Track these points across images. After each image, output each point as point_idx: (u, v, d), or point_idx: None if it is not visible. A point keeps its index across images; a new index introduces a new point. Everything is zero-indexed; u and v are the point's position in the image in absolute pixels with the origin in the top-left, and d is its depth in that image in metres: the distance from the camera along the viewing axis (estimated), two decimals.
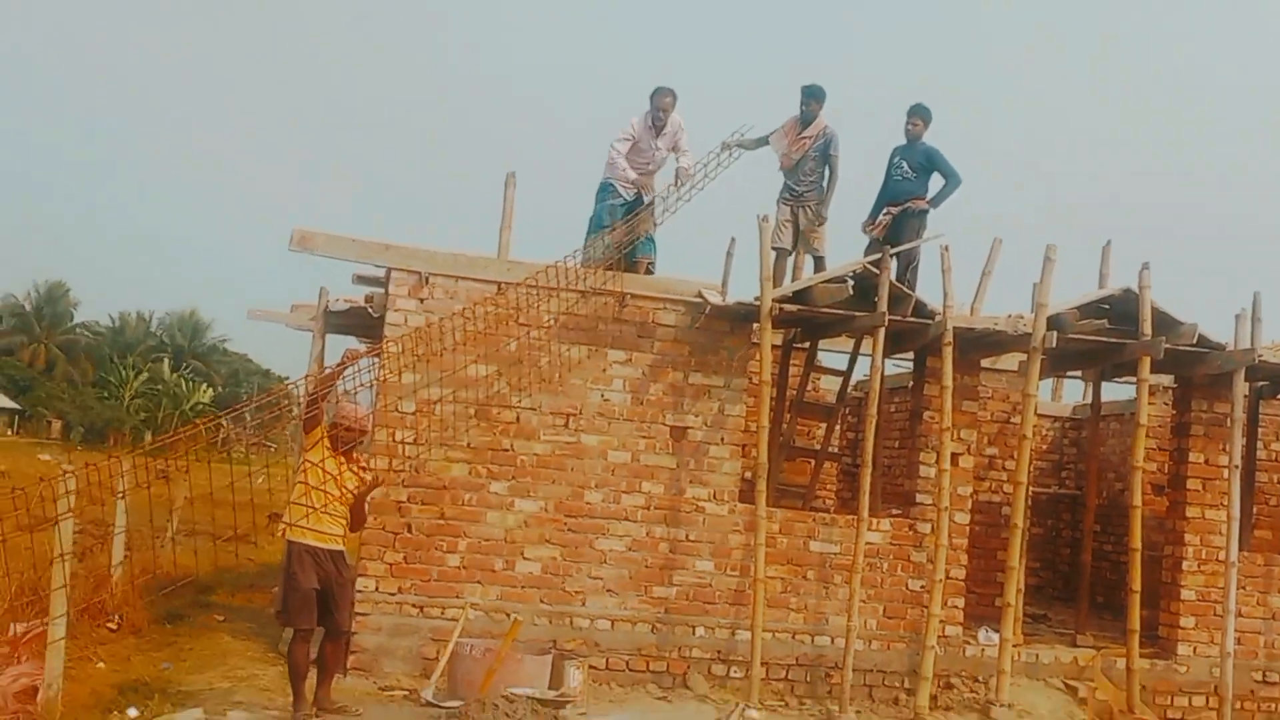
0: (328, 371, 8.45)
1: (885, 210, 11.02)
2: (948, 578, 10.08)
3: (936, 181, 10.97)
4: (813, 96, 11.05)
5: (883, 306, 9.86)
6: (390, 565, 9.51)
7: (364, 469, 8.12)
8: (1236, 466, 10.47)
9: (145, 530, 12.66)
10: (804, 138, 11.03)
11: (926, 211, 10.93)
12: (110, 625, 9.88)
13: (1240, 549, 10.54)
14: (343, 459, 7.89)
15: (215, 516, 15.66)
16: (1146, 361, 10.20)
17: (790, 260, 11.19)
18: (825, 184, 11.06)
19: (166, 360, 59.93)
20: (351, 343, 10.38)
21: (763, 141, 11.35)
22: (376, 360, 9.27)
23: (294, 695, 7.71)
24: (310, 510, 7.71)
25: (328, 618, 7.81)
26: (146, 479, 9.19)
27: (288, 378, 9.20)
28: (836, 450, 13.12)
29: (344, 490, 7.85)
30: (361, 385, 8.77)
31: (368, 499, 8.30)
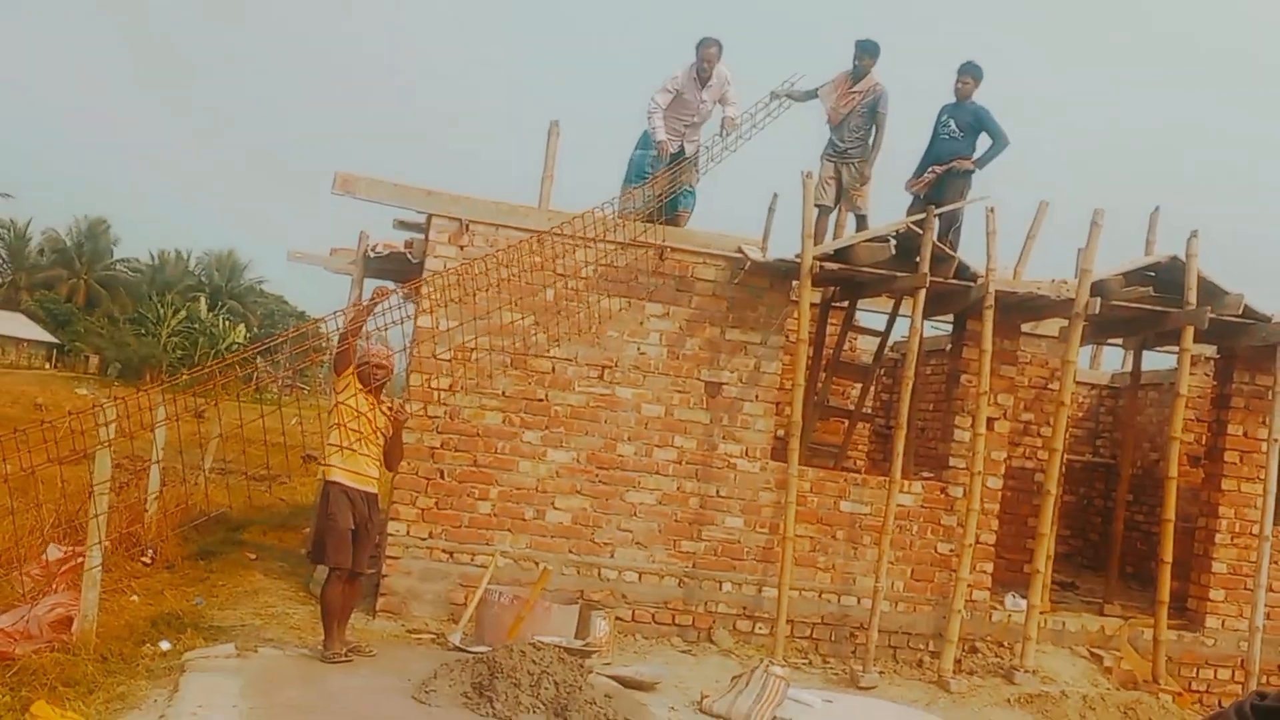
0: (357, 310, 8.42)
1: (930, 169, 10.87)
2: (978, 542, 10.04)
3: (984, 142, 10.80)
4: (866, 52, 10.88)
5: (924, 267, 9.76)
6: (422, 510, 9.57)
7: (392, 408, 8.16)
8: (1276, 440, 10.35)
9: (179, 466, 12.85)
10: (854, 93, 10.87)
11: (972, 172, 10.77)
12: (144, 559, 10.01)
13: (1275, 524, 10.44)
14: (373, 398, 7.92)
15: (249, 455, 15.86)
16: (1190, 331, 10.07)
17: (832, 218, 11.07)
18: (871, 142, 10.92)
19: (203, 299, 60.38)
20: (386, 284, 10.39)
21: (812, 94, 11.21)
22: (405, 299, 9.28)
23: (326, 633, 7.80)
24: (346, 450, 7.76)
25: (354, 557, 7.85)
26: (178, 414, 9.30)
27: (323, 320, 9.17)
28: (870, 411, 13.06)
29: (376, 429, 7.91)
30: (392, 323, 8.78)
31: (402, 437, 8.36)
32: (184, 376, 10.20)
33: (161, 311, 54.44)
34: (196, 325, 54.31)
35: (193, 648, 7.53)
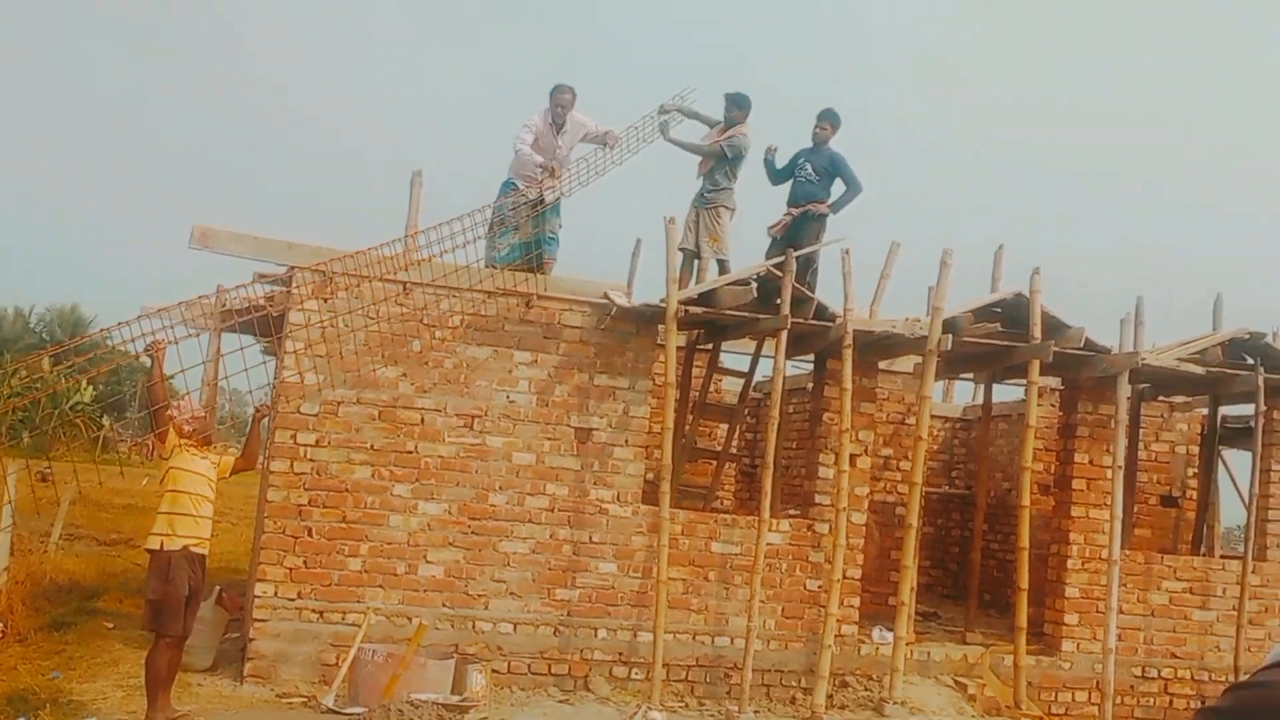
0: (152, 379, 8.22)
1: (786, 211, 11.20)
2: (844, 577, 10.26)
3: (839, 187, 11.18)
4: (735, 104, 11.22)
5: (785, 309, 10.01)
6: (290, 570, 9.36)
7: (220, 453, 8.20)
8: (1119, 467, 10.85)
9: (28, 535, 12.31)
10: (717, 142, 11.16)
11: (826, 215, 11.14)
12: None
13: (1122, 547, 10.92)
14: (201, 452, 7.91)
15: (100, 519, 15.28)
16: (1036, 364, 10.52)
17: (696, 263, 11.28)
18: (727, 185, 11.18)
19: (46, 358, 57.90)
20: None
21: (699, 116, 11.39)
22: (265, 353, 9.17)
23: (151, 703, 7.62)
24: (184, 515, 7.73)
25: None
26: (30, 481, 8.95)
27: (175, 376, 8.89)
28: (737, 451, 13.27)
29: (212, 485, 7.94)
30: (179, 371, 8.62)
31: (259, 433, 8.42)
32: (26, 444, 9.82)
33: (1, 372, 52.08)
34: (38, 385, 52.11)
35: None
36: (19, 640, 9.60)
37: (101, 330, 9.18)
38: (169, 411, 7.98)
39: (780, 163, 11.43)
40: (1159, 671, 11.16)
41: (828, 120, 11.26)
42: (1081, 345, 10.71)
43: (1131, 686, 11.05)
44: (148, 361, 8.29)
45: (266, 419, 8.68)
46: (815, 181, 11.13)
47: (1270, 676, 1.08)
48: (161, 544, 7.69)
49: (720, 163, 11.13)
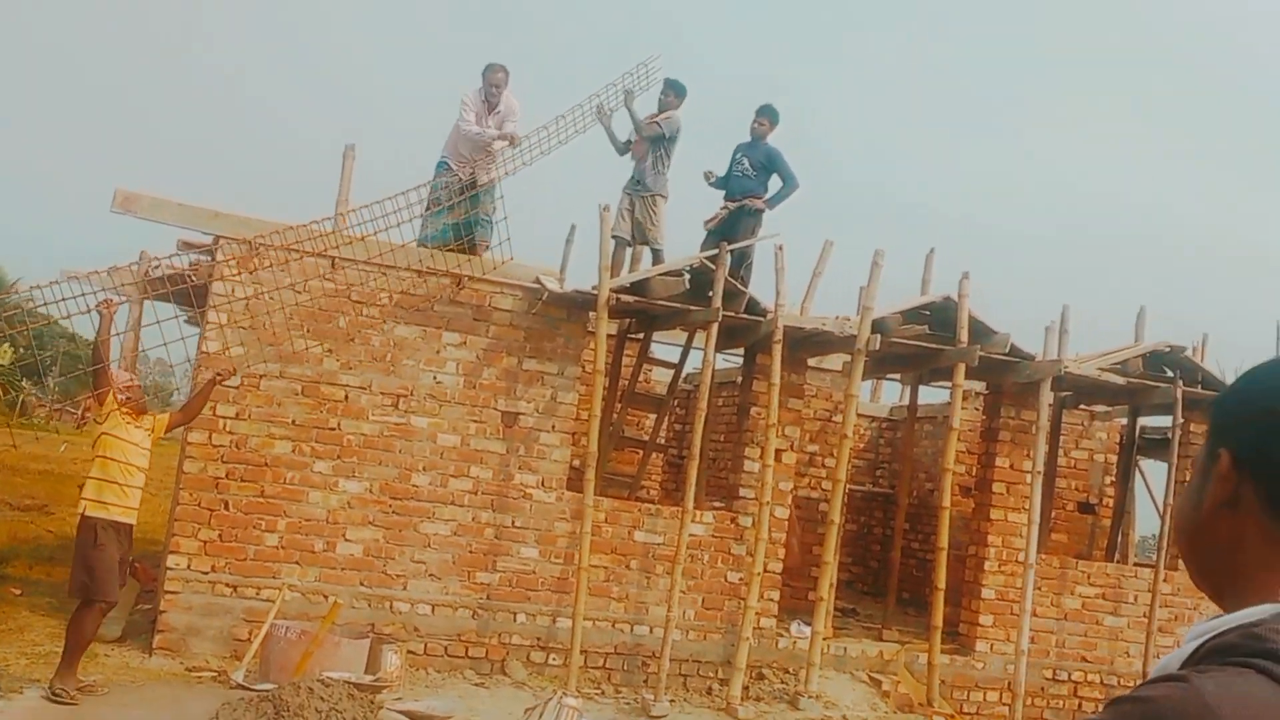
0: (99, 338, 8.10)
1: (723, 205, 11.20)
2: (765, 571, 10.32)
3: (775, 183, 11.21)
4: (672, 90, 11.15)
5: (717, 302, 10.02)
6: (204, 543, 9.21)
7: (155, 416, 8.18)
8: (1039, 472, 11.00)
9: None
10: (654, 123, 11.11)
11: (762, 211, 11.17)
12: None
13: (1038, 551, 11.09)
14: (135, 421, 7.87)
15: (14, 485, 14.93)
16: (962, 368, 10.64)
17: (629, 251, 11.24)
18: (662, 171, 11.12)
19: None
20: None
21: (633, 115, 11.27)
22: (189, 322, 9.03)
23: (65, 666, 7.54)
24: (111, 483, 7.72)
25: None
26: None
27: (36, 297, 8.68)
28: (664, 441, 13.27)
29: (145, 454, 7.91)
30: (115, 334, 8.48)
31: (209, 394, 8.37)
32: None
33: None
34: None
35: None
36: None
37: (25, 288, 8.97)
38: (111, 374, 7.92)
39: (719, 171, 11.40)
40: (1069, 674, 11.36)
41: (766, 116, 11.29)
42: (1007, 351, 10.85)
43: (1042, 688, 11.23)
44: (91, 321, 8.14)
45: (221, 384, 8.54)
46: (752, 176, 11.15)
47: (1151, 691, 1.07)
48: (89, 510, 7.67)
49: (655, 146, 11.07)
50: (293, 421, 9.44)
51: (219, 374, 8.34)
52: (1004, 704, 10.92)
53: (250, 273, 9.37)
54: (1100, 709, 1.11)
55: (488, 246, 10.63)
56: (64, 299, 8.08)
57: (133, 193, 9.43)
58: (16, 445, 7.87)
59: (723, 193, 11.29)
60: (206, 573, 9.18)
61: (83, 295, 8.19)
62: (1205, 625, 1.15)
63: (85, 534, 7.66)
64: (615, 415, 11.52)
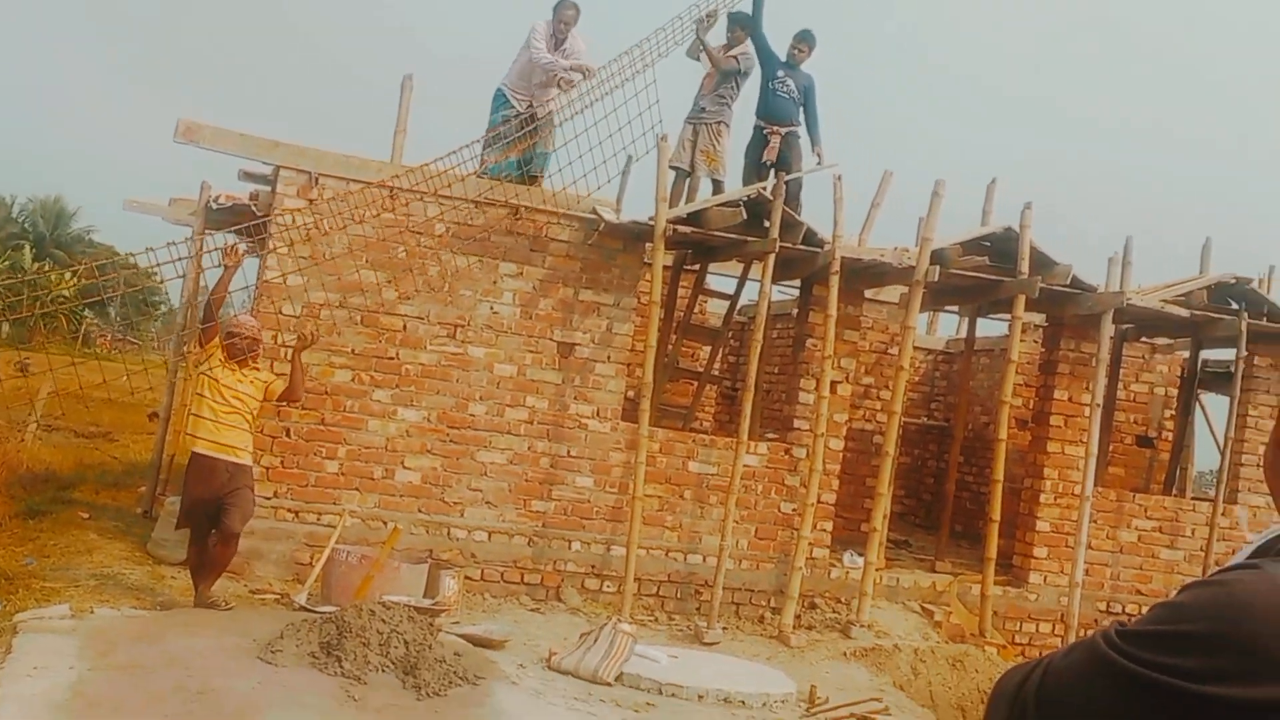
0: (220, 279, 8.42)
1: (771, 130, 11.04)
2: (819, 502, 10.35)
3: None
4: (738, 23, 11.01)
5: (774, 233, 9.95)
6: (267, 469, 9.37)
7: (259, 371, 8.35)
8: (1098, 405, 10.91)
9: (4, 424, 12.30)
10: (729, 56, 11.01)
11: (800, 139, 11.09)
12: None
13: (1095, 485, 11.02)
14: (237, 368, 8.06)
15: (78, 411, 15.26)
16: (1021, 299, 10.51)
17: (689, 181, 11.17)
18: (728, 103, 11.02)
19: (27, 248, 57.46)
20: (230, 239, 10.07)
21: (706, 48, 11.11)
22: (249, 253, 9.14)
23: (194, 589, 8.11)
24: (207, 420, 7.96)
25: (219, 521, 7.99)
26: (3, 372, 8.93)
27: (157, 272, 9.01)
28: (719, 373, 13.28)
29: (243, 399, 8.07)
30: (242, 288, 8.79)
31: (300, 364, 8.43)
32: (4, 329, 9.80)
33: None
34: (20, 276, 51.72)
35: (25, 609, 7.26)
36: None
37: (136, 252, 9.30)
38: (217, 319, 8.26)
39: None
40: (1123, 607, 11.32)
41: (805, 42, 11.11)
42: (1068, 283, 10.70)
43: (1095, 620, 11.19)
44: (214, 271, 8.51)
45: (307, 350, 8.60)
46: (796, 99, 11.02)
47: (1226, 575, 1.11)
48: (185, 442, 8.25)
49: (725, 79, 10.98)
50: (352, 350, 9.54)
51: (300, 340, 8.35)
52: (1056, 635, 10.93)
53: (309, 201, 9.43)
54: (1179, 592, 1.15)
55: (544, 176, 10.62)
56: (173, 260, 8.40)
57: (195, 123, 9.50)
58: (79, 376, 8.07)
59: (753, 94, 11.10)
60: (269, 498, 9.35)
61: (181, 259, 8.54)
62: (1262, 534, 1.19)
63: (185, 468, 8.23)
64: (670, 346, 11.53)
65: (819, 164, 10.96)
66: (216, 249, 8.90)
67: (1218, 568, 1.16)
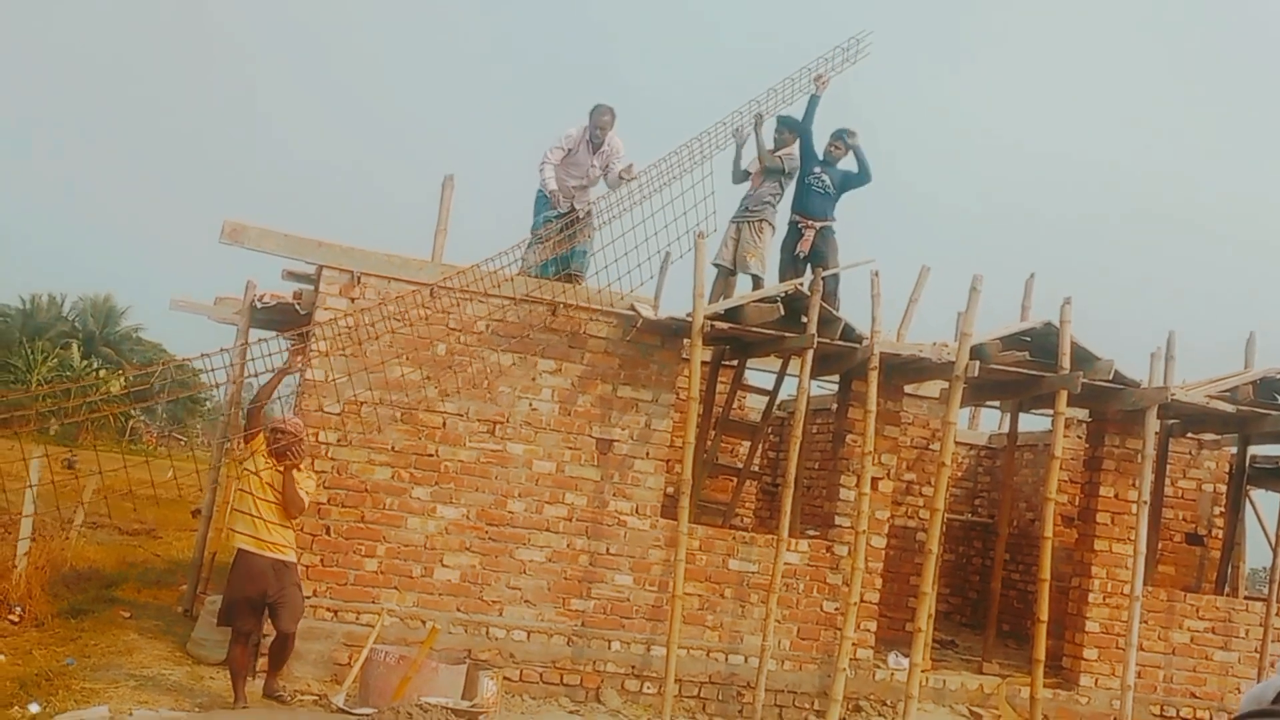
0: (270, 380, 8.69)
1: (807, 224, 11.12)
2: (862, 601, 10.19)
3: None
4: (786, 127, 11.19)
5: (812, 328, 9.97)
6: (306, 567, 9.35)
7: (300, 471, 8.39)
8: (1145, 502, 10.73)
9: (50, 521, 12.39)
10: (779, 156, 11.17)
11: (835, 232, 11.17)
12: (12, 618, 9.62)
13: (1145, 584, 10.79)
14: (278, 465, 8.17)
15: (123, 508, 15.37)
16: (1063, 395, 10.42)
17: (731, 280, 11.22)
18: (773, 203, 11.15)
19: (76, 346, 58.40)
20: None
21: (743, 175, 11.34)
22: (293, 352, 9.27)
23: (233, 691, 8.13)
24: (252, 517, 8.08)
25: (272, 621, 8.21)
26: (52, 469, 9.04)
27: (203, 370, 9.16)
28: (758, 469, 13.21)
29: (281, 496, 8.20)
30: (287, 393, 8.98)
31: (292, 484, 8.38)
32: (54, 432, 9.95)
33: (32, 359, 52.49)
34: (69, 373, 52.49)
35: (64, 710, 7.25)
36: (36, 625, 9.67)
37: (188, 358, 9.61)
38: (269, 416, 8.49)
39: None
40: (1178, 711, 11.02)
41: (840, 140, 11.25)
42: (1110, 378, 10.61)
43: None
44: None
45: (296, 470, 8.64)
46: (832, 194, 11.14)
47: None
48: (228, 538, 8.37)
49: (771, 177, 11.11)
50: (392, 448, 9.58)
51: (289, 458, 8.28)
52: None
53: (351, 300, 9.55)
54: None
55: (584, 275, 10.74)
56: (214, 368, 8.67)
57: (240, 224, 9.69)
58: (127, 469, 8.18)
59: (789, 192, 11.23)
60: (308, 597, 9.30)
61: (225, 367, 8.75)
62: None
63: (231, 565, 8.30)
64: (709, 442, 11.50)
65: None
66: (265, 352, 8.98)
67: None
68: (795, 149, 11.20)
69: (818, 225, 11.09)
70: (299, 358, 8.72)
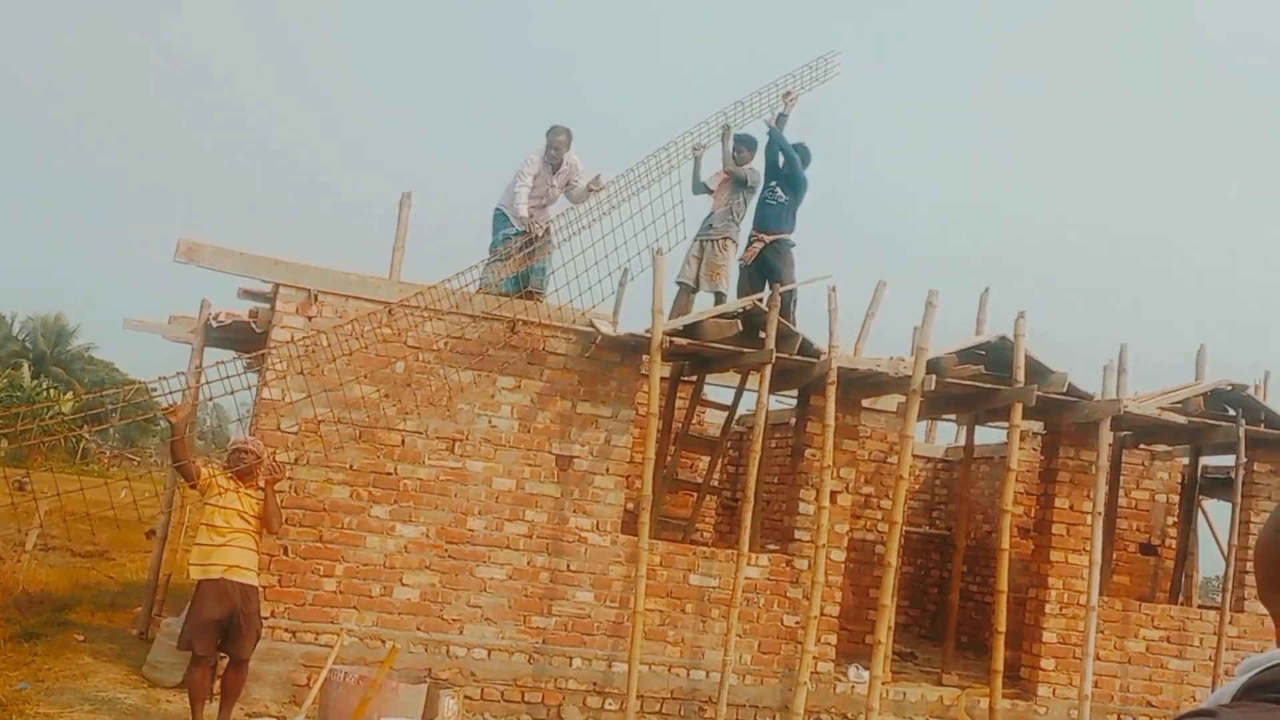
0: (175, 436, 8.30)
1: (756, 237, 11.22)
2: (822, 614, 10.23)
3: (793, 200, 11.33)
4: (744, 145, 11.26)
5: (770, 344, 10.02)
6: (265, 587, 9.25)
7: (262, 490, 8.24)
8: (1099, 513, 10.85)
9: (2, 544, 12.20)
10: (742, 168, 11.25)
11: (793, 245, 11.22)
12: None
13: (1100, 594, 10.91)
14: (241, 487, 8.06)
15: (75, 529, 15.17)
16: (1018, 408, 10.53)
17: (692, 296, 11.26)
18: (735, 219, 11.21)
19: (26, 366, 57.57)
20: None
21: (703, 187, 11.40)
22: (249, 370, 9.20)
23: (191, 713, 7.92)
24: (214, 546, 7.93)
25: (230, 646, 7.99)
26: (5, 491, 8.90)
27: (155, 389, 9.02)
28: (718, 484, 13.24)
29: (249, 520, 8.06)
30: (229, 391, 8.76)
31: (274, 497, 8.34)
32: (3, 447, 9.79)
33: None
34: (19, 394, 51.74)
35: None
36: None
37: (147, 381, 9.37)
38: (194, 463, 8.19)
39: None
40: (1134, 719, 11.13)
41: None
42: (1064, 390, 10.73)
43: None
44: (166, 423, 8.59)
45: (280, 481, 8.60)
46: (784, 201, 11.21)
47: None
48: (189, 573, 8.20)
49: (736, 192, 11.16)
50: (350, 466, 9.53)
51: (270, 473, 8.27)
52: None
53: (308, 318, 9.50)
54: None
55: (543, 293, 10.75)
56: (170, 392, 8.55)
57: (195, 242, 9.61)
58: (83, 489, 8.08)
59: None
60: (266, 618, 9.20)
61: (174, 392, 8.60)
62: (1255, 659, 1.17)
63: (193, 593, 8.12)
64: (669, 458, 11.52)
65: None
66: (221, 374, 8.86)
67: (1191, 709, 1.15)
68: (758, 165, 11.27)
69: (768, 239, 11.16)
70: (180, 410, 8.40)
